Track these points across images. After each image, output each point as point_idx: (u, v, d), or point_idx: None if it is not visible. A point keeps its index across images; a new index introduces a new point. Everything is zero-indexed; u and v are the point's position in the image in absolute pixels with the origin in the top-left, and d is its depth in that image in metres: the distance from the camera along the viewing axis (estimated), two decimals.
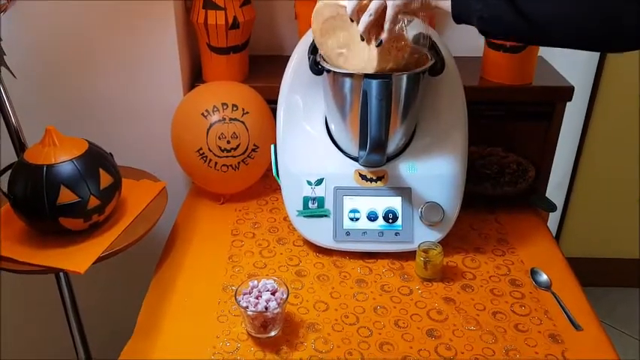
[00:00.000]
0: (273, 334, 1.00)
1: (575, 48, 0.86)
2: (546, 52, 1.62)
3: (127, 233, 1.15)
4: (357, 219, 1.18)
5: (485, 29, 0.88)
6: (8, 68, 1.17)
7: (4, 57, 1.17)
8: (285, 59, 1.25)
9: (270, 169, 1.25)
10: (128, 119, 1.50)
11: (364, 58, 1.03)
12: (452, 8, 0.89)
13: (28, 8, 1.33)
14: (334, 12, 1.04)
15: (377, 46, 0.99)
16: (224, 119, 1.28)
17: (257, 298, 1.00)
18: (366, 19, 0.96)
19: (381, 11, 0.95)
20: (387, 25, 0.95)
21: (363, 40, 1.00)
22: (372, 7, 0.95)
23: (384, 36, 0.97)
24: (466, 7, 0.88)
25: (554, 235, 2.12)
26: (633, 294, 2.21)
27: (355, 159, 1.19)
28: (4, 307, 1.68)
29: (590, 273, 1.88)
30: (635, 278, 2.20)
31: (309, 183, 1.19)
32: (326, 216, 1.18)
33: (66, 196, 1.07)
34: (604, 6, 0.77)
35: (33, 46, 1.39)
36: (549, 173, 1.62)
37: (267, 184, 1.44)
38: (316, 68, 1.12)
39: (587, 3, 0.79)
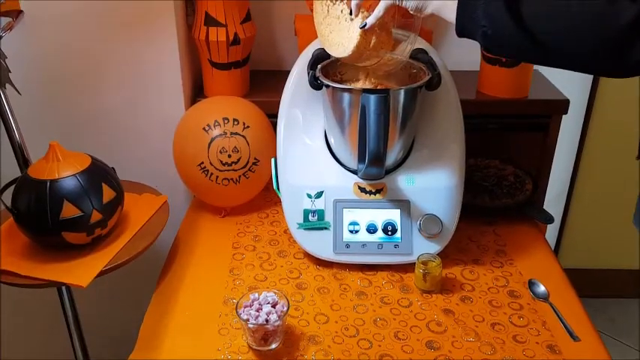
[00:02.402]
0: (273, 346, 1.00)
1: (576, 71, 0.87)
2: (542, 66, 1.64)
3: (129, 247, 1.17)
4: (357, 231, 1.19)
5: (488, 46, 0.88)
6: (13, 85, 1.19)
7: (9, 74, 1.19)
8: (285, 74, 1.27)
9: (271, 183, 1.26)
10: (131, 134, 1.52)
11: (346, 35, 1.05)
12: (456, 21, 0.89)
13: (32, 26, 1.35)
14: None
15: (360, 28, 1.01)
16: (225, 133, 1.30)
17: (258, 310, 1.01)
18: None
19: None
20: (376, 11, 0.98)
21: (351, 14, 1.03)
22: None
23: (369, 19, 0.99)
24: (471, 22, 0.87)
25: (553, 246, 2.13)
26: (633, 305, 2.21)
27: (354, 172, 1.20)
28: (6, 319, 1.68)
29: (590, 284, 1.89)
30: (634, 289, 2.20)
31: (309, 196, 1.20)
32: (326, 228, 1.19)
33: (69, 210, 1.08)
34: (612, 37, 0.77)
35: (37, 63, 1.41)
36: (547, 185, 1.64)
37: (268, 198, 1.45)
38: (316, 83, 1.13)
39: (595, 31, 0.78)
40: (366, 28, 1.00)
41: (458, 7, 0.88)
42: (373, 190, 1.19)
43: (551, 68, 1.59)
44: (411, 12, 0.96)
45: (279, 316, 1.00)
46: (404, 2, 0.95)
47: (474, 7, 0.86)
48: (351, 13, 1.03)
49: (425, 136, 1.23)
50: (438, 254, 1.17)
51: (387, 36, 1.05)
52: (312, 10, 1.46)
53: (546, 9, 0.82)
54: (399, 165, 1.21)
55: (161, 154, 1.48)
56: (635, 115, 1.91)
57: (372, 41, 1.03)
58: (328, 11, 1.10)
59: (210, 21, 1.42)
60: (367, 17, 1.00)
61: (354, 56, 1.06)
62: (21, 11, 1.31)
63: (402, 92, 1.11)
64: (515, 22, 0.82)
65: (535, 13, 0.82)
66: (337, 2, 1.08)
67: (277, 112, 1.26)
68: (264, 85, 1.58)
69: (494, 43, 0.87)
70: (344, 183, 1.20)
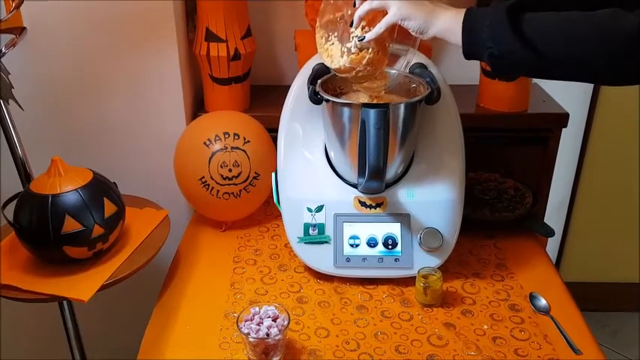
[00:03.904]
0: None
1: (583, 82, 0.88)
2: (541, 79, 1.65)
3: (130, 261, 1.17)
4: (357, 245, 1.19)
5: (496, 66, 0.89)
6: (16, 101, 1.20)
7: (12, 90, 1.20)
8: (286, 89, 1.28)
9: (271, 197, 1.27)
10: (132, 149, 1.53)
11: (342, 50, 1.06)
12: (462, 44, 0.90)
13: (35, 43, 1.37)
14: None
15: (358, 40, 1.01)
16: (226, 148, 1.30)
17: (258, 324, 1.01)
18: (365, 7, 0.99)
19: (380, 14, 0.99)
20: (376, 28, 0.99)
21: (351, 25, 1.03)
22: (375, 4, 0.98)
23: (369, 34, 1.00)
24: (477, 44, 0.89)
25: (554, 259, 2.13)
26: (634, 318, 2.20)
27: (355, 186, 1.21)
28: (7, 334, 1.68)
29: (592, 297, 1.88)
30: (635, 302, 2.19)
31: (310, 210, 1.20)
32: (326, 242, 1.19)
33: (70, 225, 1.09)
34: (616, 47, 0.79)
35: (39, 79, 1.42)
36: (547, 198, 1.64)
37: (268, 211, 1.46)
38: (315, 98, 1.14)
39: (600, 43, 0.80)
40: (363, 42, 1.01)
41: (463, 30, 0.90)
42: (373, 204, 1.20)
43: (550, 82, 1.62)
44: (413, 33, 0.97)
45: (279, 330, 1.00)
46: (406, 23, 0.96)
47: (479, 29, 0.88)
48: (351, 25, 1.04)
49: (425, 149, 1.23)
50: (438, 268, 1.17)
51: (383, 54, 1.05)
52: (312, 26, 1.47)
53: (550, 26, 0.83)
54: (399, 179, 1.22)
55: (162, 168, 1.49)
56: (635, 128, 1.91)
57: (367, 57, 1.04)
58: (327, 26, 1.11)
59: (210, 36, 1.43)
60: (367, 32, 1.01)
61: (347, 70, 1.06)
62: (24, 28, 1.32)
63: (402, 106, 1.11)
64: (521, 41, 0.83)
65: (539, 30, 0.84)
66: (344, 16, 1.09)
67: (277, 127, 1.26)
68: (264, 100, 1.59)
69: (502, 63, 0.89)
70: (344, 197, 1.21)
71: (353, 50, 1.03)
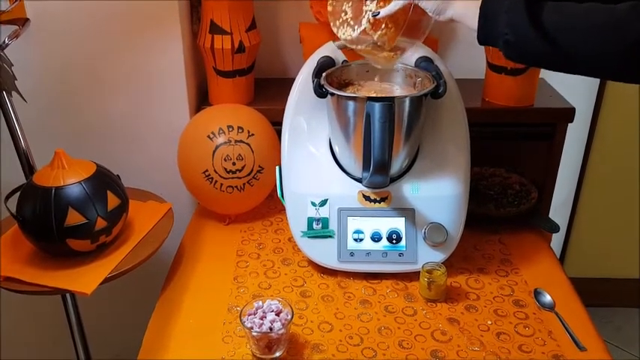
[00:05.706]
0: (277, 354, 1.00)
1: (596, 77, 0.87)
2: (547, 74, 1.64)
3: (133, 254, 1.17)
4: (361, 240, 1.18)
5: (510, 53, 0.89)
6: (19, 93, 1.20)
7: (15, 81, 1.20)
8: (290, 82, 1.27)
9: (275, 191, 1.26)
10: (136, 141, 1.52)
11: (352, 24, 1.06)
12: (478, 29, 0.90)
13: (38, 34, 1.36)
14: None
15: (372, 15, 1.01)
16: (230, 141, 1.30)
17: (262, 318, 1.01)
18: None
19: None
20: (392, 5, 0.98)
21: None
22: None
23: (383, 10, 0.99)
24: (493, 30, 0.88)
25: (558, 255, 2.12)
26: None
27: (359, 180, 1.20)
28: (10, 328, 1.68)
29: (596, 293, 1.87)
30: None
31: (314, 204, 1.20)
32: (330, 237, 1.19)
33: (74, 217, 1.08)
34: (634, 42, 0.77)
35: (43, 70, 1.42)
36: (552, 193, 1.63)
37: (272, 205, 1.45)
38: (320, 91, 1.13)
39: (617, 38, 0.78)
40: (377, 17, 1.00)
41: (480, 15, 0.89)
42: (378, 199, 1.19)
43: (556, 76, 1.61)
44: (430, 14, 0.96)
45: (283, 325, 1.00)
46: (423, 3, 0.95)
47: (496, 15, 0.87)
48: None
49: (430, 144, 1.22)
50: (442, 263, 1.16)
51: (394, 33, 1.04)
52: (317, 19, 1.46)
53: (568, 17, 0.83)
54: (403, 173, 1.21)
55: (166, 161, 1.48)
56: None
57: (378, 33, 1.02)
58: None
59: (215, 29, 1.42)
60: (383, 7, 1.00)
61: (355, 42, 1.05)
62: (27, 19, 1.32)
63: (407, 100, 1.11)
64: (537, 29, 0.83)
65: (557, 20, 0.83)
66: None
67: (282, 120, 1.26)
68: (268, 93, 1.58)
69: (516, 51, 0.88)
70: (348, 191, 1.20)
71: (364, 24, 1.02)
